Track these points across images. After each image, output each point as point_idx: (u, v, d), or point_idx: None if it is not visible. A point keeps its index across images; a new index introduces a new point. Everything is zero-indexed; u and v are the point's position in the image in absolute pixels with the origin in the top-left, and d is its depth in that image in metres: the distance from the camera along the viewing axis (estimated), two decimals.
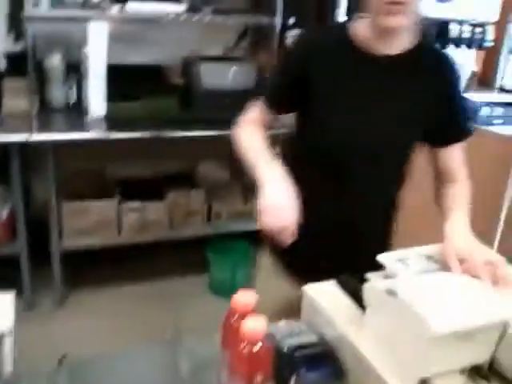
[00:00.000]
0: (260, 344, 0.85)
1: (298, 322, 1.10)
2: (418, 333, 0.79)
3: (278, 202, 1.08)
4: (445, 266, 1.02)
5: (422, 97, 1.22)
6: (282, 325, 1.07)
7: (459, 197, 1.26)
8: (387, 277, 1.04)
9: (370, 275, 1.09)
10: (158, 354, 1.10)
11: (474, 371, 0.82)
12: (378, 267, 1.34)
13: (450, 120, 1.26)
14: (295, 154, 1.34)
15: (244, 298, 0.94)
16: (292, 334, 1.03)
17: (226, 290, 2.36)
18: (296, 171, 1.20)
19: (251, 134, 1.30)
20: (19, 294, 2.47)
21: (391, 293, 0.86)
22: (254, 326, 0.85)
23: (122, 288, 2.86)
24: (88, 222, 2.73)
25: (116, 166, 2.98)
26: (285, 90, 1.29)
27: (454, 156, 1.30)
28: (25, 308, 2.59)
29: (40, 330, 2.37)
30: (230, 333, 0.94)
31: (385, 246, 1.38)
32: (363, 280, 1.08)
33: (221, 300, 2.61)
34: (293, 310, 1.29)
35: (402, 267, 1.02)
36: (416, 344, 0.80)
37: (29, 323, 2.42)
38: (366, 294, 0.94)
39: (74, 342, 2.24)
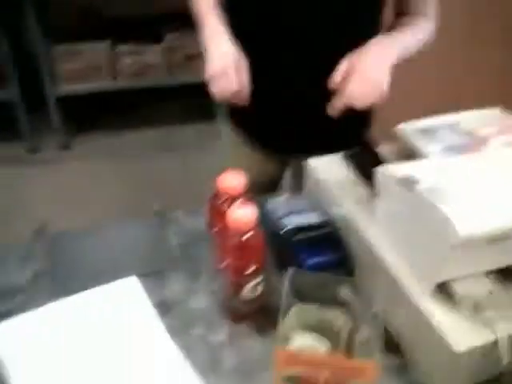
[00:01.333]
0: (250, 234, 0.72)
1: (300, 197, 0.96)
2: (438, 233, 0.64)
3: (224, 66, 0.94)
4: (477, 139, 0.85)
5: None
6: (282, 200, 0.94)
7: (406, 27, 1.05)
8: (408, 154, 0.89)
9: (384, 149, 0.93)
10: (146, 228, 0.99)
11: (504, 273, 0.70)
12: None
13: None
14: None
15: (232, 179, 0.79)
16: (293, 212, 0.90)
17: None
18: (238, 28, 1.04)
19: None
20: (19, 138, 2.45)
21: (409, 183, 0.70)
22: (243, 215, 0.72)
23: (125, 134, 2.75)
24: (81, 66, 2.54)
25: (107, 3, 2.65)
26: None
27: None
28: (28, 151, 2.60)
29: (45, 171, 2.45)
30: (217, 218, 0.81)
31: None
32: (376, 155, 0.92)
33: None
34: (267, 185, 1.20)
35: (428, 144, 0.86)
36: (436, 245, 0.66)
37: (33, 166, 2.47)
38: (378, 181, 0.78)
39: (76, 184, 2.36)
